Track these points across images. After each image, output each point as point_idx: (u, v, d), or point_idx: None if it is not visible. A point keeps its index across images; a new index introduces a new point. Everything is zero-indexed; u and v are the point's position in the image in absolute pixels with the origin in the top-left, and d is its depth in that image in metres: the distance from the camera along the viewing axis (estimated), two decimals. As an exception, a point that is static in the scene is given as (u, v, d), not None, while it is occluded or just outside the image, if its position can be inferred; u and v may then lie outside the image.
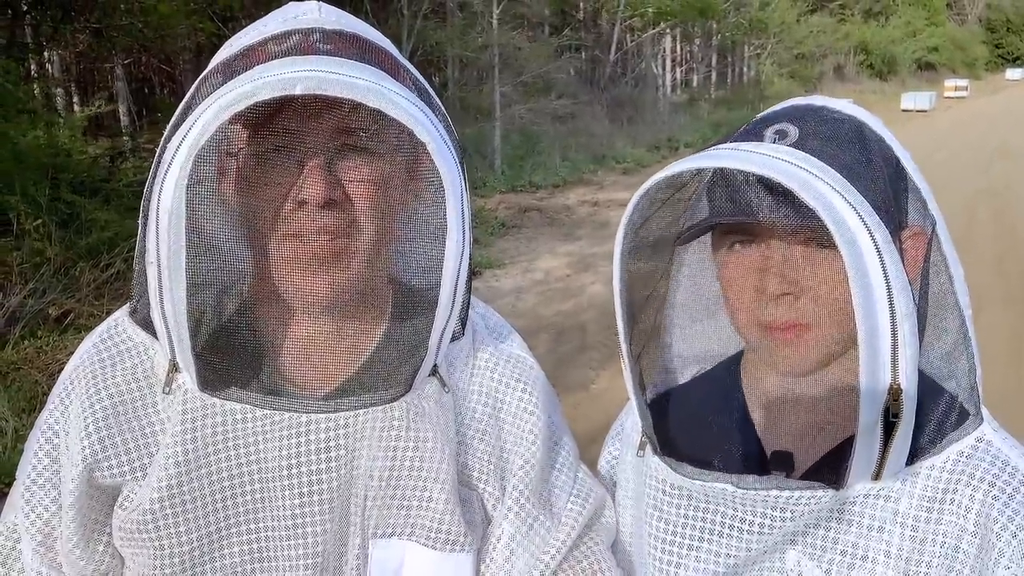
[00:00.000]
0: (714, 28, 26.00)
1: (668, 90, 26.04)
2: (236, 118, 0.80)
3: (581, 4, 22.73)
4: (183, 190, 0.80)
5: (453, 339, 0.97)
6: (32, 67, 10.24)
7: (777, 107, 0.97)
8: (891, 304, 0.79)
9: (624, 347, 1.00)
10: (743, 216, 0.87)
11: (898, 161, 0.90)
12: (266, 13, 0.95)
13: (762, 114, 0.97)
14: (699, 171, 0.92)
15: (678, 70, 27.92)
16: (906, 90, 36.15)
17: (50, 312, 5.60)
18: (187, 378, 0.90)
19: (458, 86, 17.23)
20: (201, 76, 0.89)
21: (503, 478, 1.01)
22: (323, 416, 0.91)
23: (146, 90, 13.31)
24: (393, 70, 0.88)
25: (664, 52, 25.54)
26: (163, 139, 0.86)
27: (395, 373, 0.92)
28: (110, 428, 0.92)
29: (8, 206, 6.35)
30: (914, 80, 44.73)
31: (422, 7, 14.95)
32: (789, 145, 0.87)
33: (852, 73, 40.48)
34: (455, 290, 0.88)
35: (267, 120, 0.83)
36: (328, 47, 0.85)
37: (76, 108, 10.57)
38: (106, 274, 6.17)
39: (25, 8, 9.43)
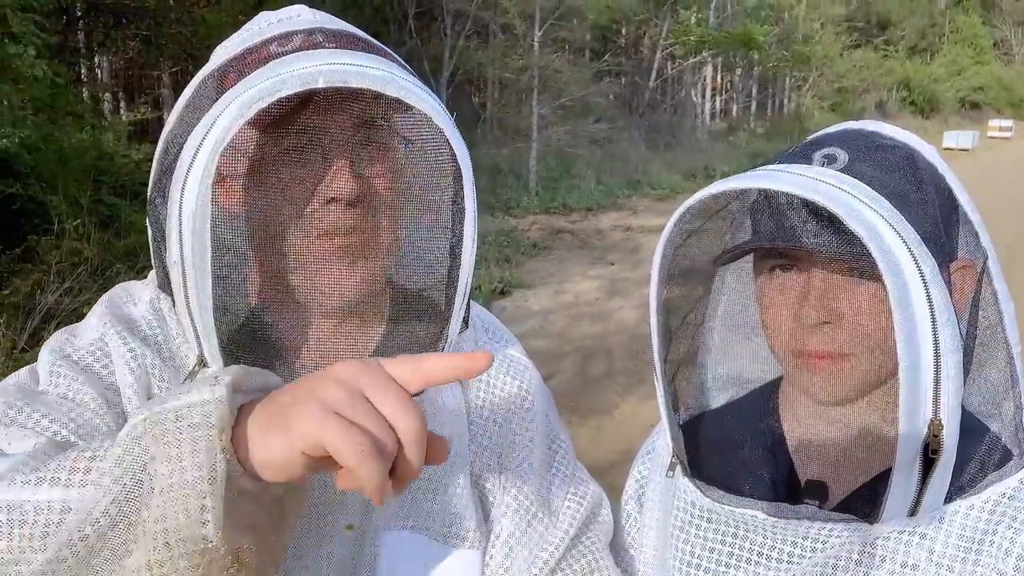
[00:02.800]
0: (756, 59, 25.94)
1: (707, 118, 26.01)
2: (258, 115, 0.79)
3: (623, 30, 22.82)
4: (208, 190, 0.79)
5: (462, 331, 0.96)
6: (82, 71, 10.47)
7: (828, 130, 0.95)
8: (935, 337, 0.77)
9: (658, 366, 0.98)
10: (785, 240, 0.85)
11: (950, 191, 0.88)
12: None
13: (812, 136, 0.95)
14: (743, 191, 0.90)
15: (718, 99, 27.89)
16: (949, 128, 35.80)
17: (85, 311, 5.68)
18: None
19: (497, 107, 17.34)
20: (198, 79, 0.89)
21: (501, 476, 1.01)
22: None
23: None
24: (398, 64, 0.88)
25: (704, 80, 25.53)
26: (163, 141, 0.86)
27: None
28: (164, 380, 0.89)
29: (50, 206, 6.48)
30: (957, 118, 44.26)
31: (465, 28, 15.10)
32: (838, 170, 0.84)
33: (894, 109, 40.16)
34: (468, 278, 0.88)
35: (290, 116, 0.82)
36: (333, 44, 0.85)
37: (122, 113, 10.77)
38: (141, 276, 6.24)
39: (79, 14, 9.66)
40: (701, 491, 0.93)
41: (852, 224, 0.77)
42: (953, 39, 49.54)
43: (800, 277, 0.88)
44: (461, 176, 0.84)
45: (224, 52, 0.90)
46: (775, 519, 0.87)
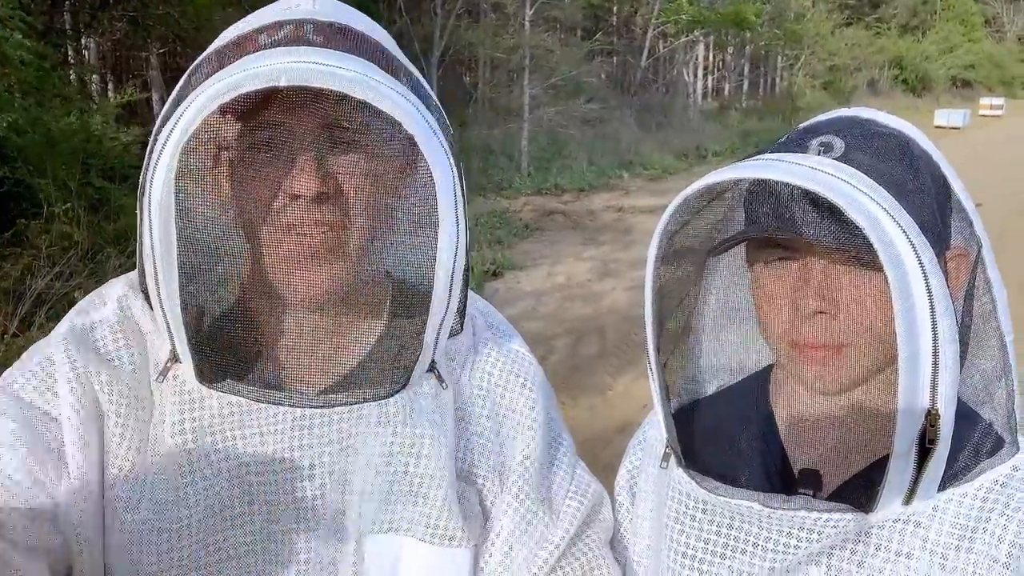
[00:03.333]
0: (747, 37, 25.86)
1: (699, 98, 25.95)
2: (224, 110, 0.79)
3: (615, 9, 22.71)
4: (171, 183, 0.79)
5: (452, 335, 0.96)
6: (69, 53, 10.37)
7: (821, 117, 0.95)
8: (934, 327, 0.77)
9: (652, 355, 0.97)
10: (785, 230, 0.84)
11: (945, 179, 0.88)
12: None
13: (805, 124, 0.95)
14: (738, 181, 0.89)
15: (709, 78, 27.82)
16: (940, 106, 35.77)
17: (76, 296, 5.66)
18: (186, 369, 0.89)
19: (488, 86, 17.26)
20: (192, 66, 0.89)
21: (502, 474, 1.01)
22: (318, 411, 0.90)
23: (180, 80, 13.39)
24: (385, 62, 0.87)
25: (696, 60, 25.45)
26: (155, 130, 0.86)
27: (391, 369, 0.92)
28: (120, 395, 0.89)
29: (39, 189, 6.44)
30: (948, 97, 44.27)
31: (455, 7, 15.00)
32: (834, 158, 0.84)
33: (886, 87, 40.13)
34: (451, 285, 0.87)
35: (257, 112, 0.82)
36: (319, 38, 0.84)
37: (110, 95, 10.69)
38: (132, 260, 6.20)
39: (64, -5, 9.56)
40: (696, 482, 0.93)
41: (853, 214, 0.76)
42: (945, 16, 49.45)
43: (797, 266, 0.88)
44: (434, 182, 0.82)
45: (222, 39, 0.90)
46: (770, 510, 0.87)
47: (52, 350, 0.90)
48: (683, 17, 21.37)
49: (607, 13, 22.80)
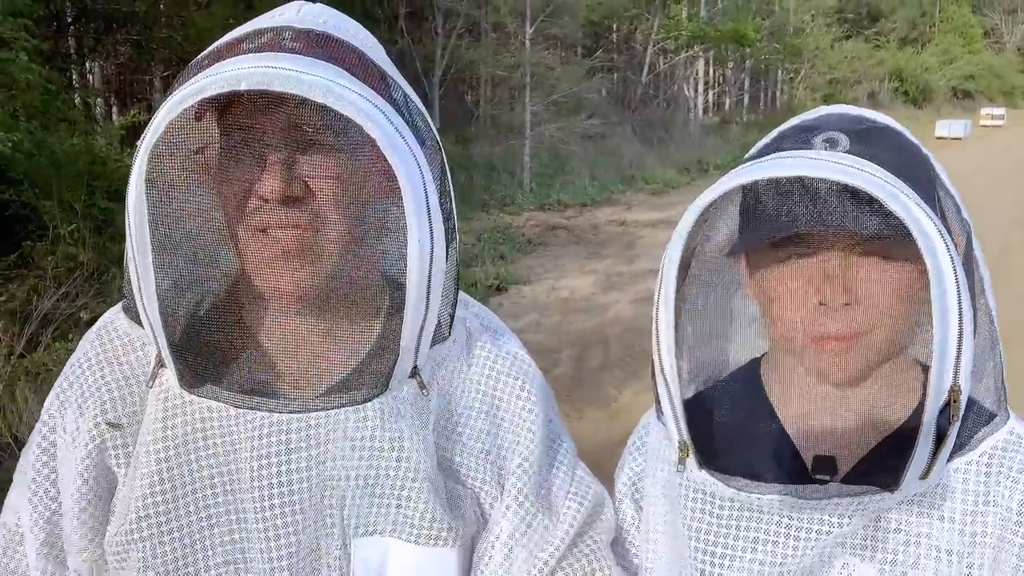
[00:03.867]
0: (747, 52, 25.95)
1: (699, 112, 26.01)
2: (195, 114, 0.81)
3: (615, 26, 22.82)
4: (142, 187, 0.81)
5: (438, 341, 0.96)
6: (73, 77, 10.45)
7: (809, 116, 0.95)
8: (960, 310, 0.80)
9: (667, 361, 0.95)
10: (821, 226, 0.84)
11: (933, 167, 0.91)
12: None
13: (797, 123, 0.95)
14: (773, 180, 0.87)
15: (710, 92, 27.89)
16: (941, 117, 35.80)
17: (82, 316, 5.67)
18: (169, 374, 0.91)
19: (490, 104, 17.34)
20: (178, 75, 0.91)
21: (501, 476, 1.01)
22: (294, 416, 0.91)
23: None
24: (361, 67, 0.88)
25: (696, 75, 25.53)
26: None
27: (368, 374, 0.92)
28: (119, 420, 0.94)
29: (44, 211, 6.47)
30: (949, 108, 44.31)
31: (456, 27, 15.09)
32: (844, 152, 0.85)
33: (886, 99, 40.19)
34: (427, 291, 0.87)
35: (225, 116, 0.84)
36: (296, 45, 0.85)
37: (115, 118, 10.75)
38: (137, 281, 6.23)
39: (70, 20, 9.64)
40: (723, 482, 0.92)
41: (893, 206, 0.79)
42: (944, 28, 49.59)
43: (815, 262, 0.88)
44: (399, 186, 0.82)
45: (211, 47, 0.92)
46: (803, 500, 0.87)
47: (47, 415, 0.98)
48: (683, 33, 21.46)
49: (607, 30, 22.92)
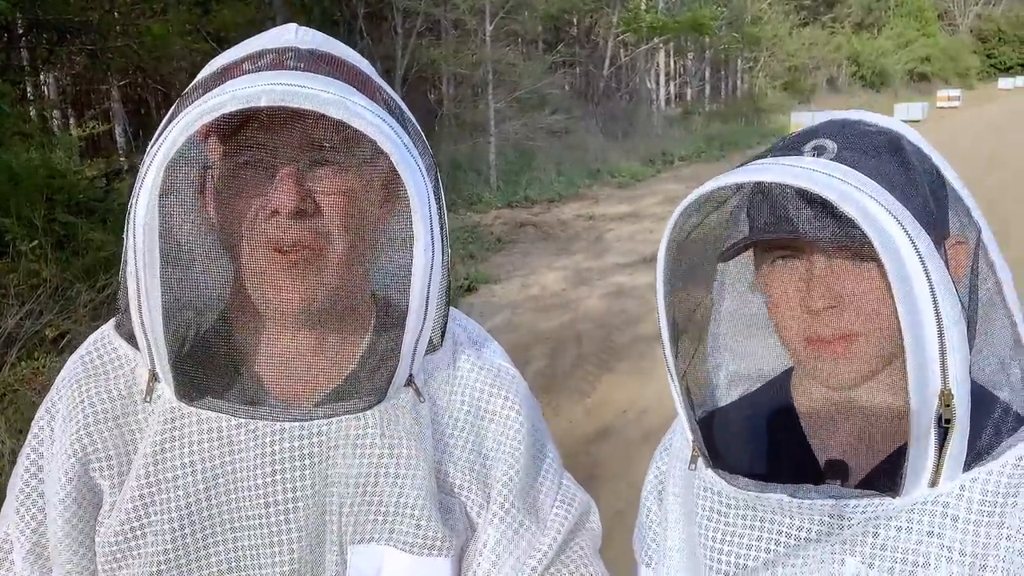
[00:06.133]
0: (707, 42, 26.14)
1: (662, 104, 26.17)
2: (207, 131, 0.83)
3: (575, 20, 22.87)
4: (155, 202, 0.82)
5: (432, 350, 0.98)
6: (28, 89, 10.27)
7: (815, 122, 0.97)
8: (937, 311, 0.79)
9: (671, 363, 0.98)
10: (783, 231, 0.87)
11: (938, 171, 0.91)
12: (259, 32, 0.97)
13: (801, 129, 0.98)
14: (739, 186, 0.91)
15: (672, 84, 28.07)
16: (899, 100, 36.33)
17: (47, 333, 5.58)
18: (165, 387, 0.92)
19: (453, 103, 17.30)
20: (181, 96, 0.92)
21: (487, 485, 1.02)
22: (296, 425, 0.92)
23: (142, 111, 13.33)
24: (362, 85, 0.90)
25: (658, 67, 25.68)
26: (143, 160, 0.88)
27: (367, 383, 0.94)
28: (101, 434, 0.94)
29: (3, 228, 6.35)
30: (907, 91, 44.96)
31: (416, 25, 15.04)
32: (829, 159, 0.87)
33: (844, 84, 40.71)
34: (427, 300, 0.89)
35: (239, 133, 0.85)
36: (301, 64, 0.88)
37: (72, 129, 10.59)
38: (103, 295, 6.16)
39: (21, 31, 9.47)
40: (727, 481, 0.94)
41: (845, 207, 0.79)
42: (898, 12, 50.29)
43: (802, 265, 0.90)
44: (408, 199, 0.85)
45: (208, 67, 0.93)
46: (799, 500, 0.89)
47: (39, 418, 1.00)
48: (642, 26, 21.56)
49: (567, 25, 22.96)
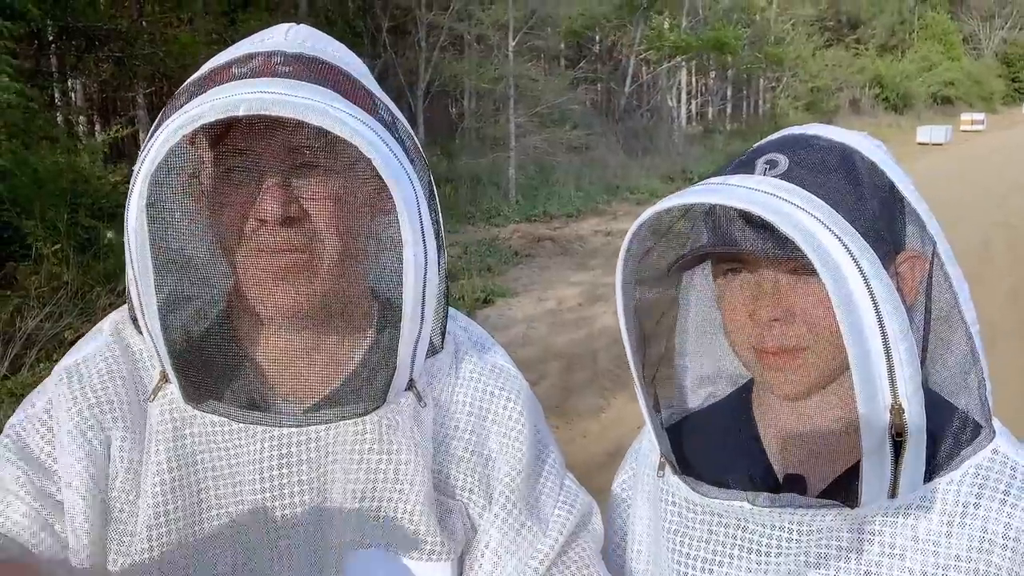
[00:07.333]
0: (729, 61, 26.13)
1: (683, 122, 26.15)
2: (190, 140, 0.83)
3: (597, 37, 22.93)
4: (143, 211, 0.83)
5: (433, 353, 0.98)
6: (55, 95, 10.40)
7: (772, 136, 0.99)
8: (882, 328, 0.80)
9: (635, 372, 1.01)
10: (731, 248, 0.89)
11: (892, 185, 0.91)
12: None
13: (758, 144, 0.99)
14: (687, 208, 0.94)
15: (693, 102, 28.07)
16: (922, 123, 36.13)
17: (66, 336, 5.64)
18: (174, 389, 0.92)
19: (474, 117, 17.37)
20: (171, 97, 0.92)
21: (489, 486, 1.02)
22: (295, 429, 0.92)
23: (166, 118, 13.43)
24: (350, 89, 0.90)
25: (679, 84, 25.68)
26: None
27: (365, 387, 0.94)
28: (116, 387, 0.94)
29: (27, 231, 6.43)
30: (930, 113, 44.73)
31: (439, 40, 15.13)
32: (778, 175, 0.88)
33: (868, 107, 40.55)
34: (422, 304, 0.89)
35: (225, 139, 0.86)
36: (287, 69, 0.87)
37: (97, 135, 10.70)
38: (122, 299, 6.19)
39: (51, 38, 9.61)
40: (691, 487, 0.96)
41: (786, 229, 0.81)
42: (923, 36, 50.11)
43: (751, 278, 0.93)
44: (395, 204, 0.84)
45: (199, 71, 0.93)
46: (760, 508, 0.90)
47: (51, 394, 0.95)
48: (665, 44, 21.58)
49: (590, 42, 23.03)
